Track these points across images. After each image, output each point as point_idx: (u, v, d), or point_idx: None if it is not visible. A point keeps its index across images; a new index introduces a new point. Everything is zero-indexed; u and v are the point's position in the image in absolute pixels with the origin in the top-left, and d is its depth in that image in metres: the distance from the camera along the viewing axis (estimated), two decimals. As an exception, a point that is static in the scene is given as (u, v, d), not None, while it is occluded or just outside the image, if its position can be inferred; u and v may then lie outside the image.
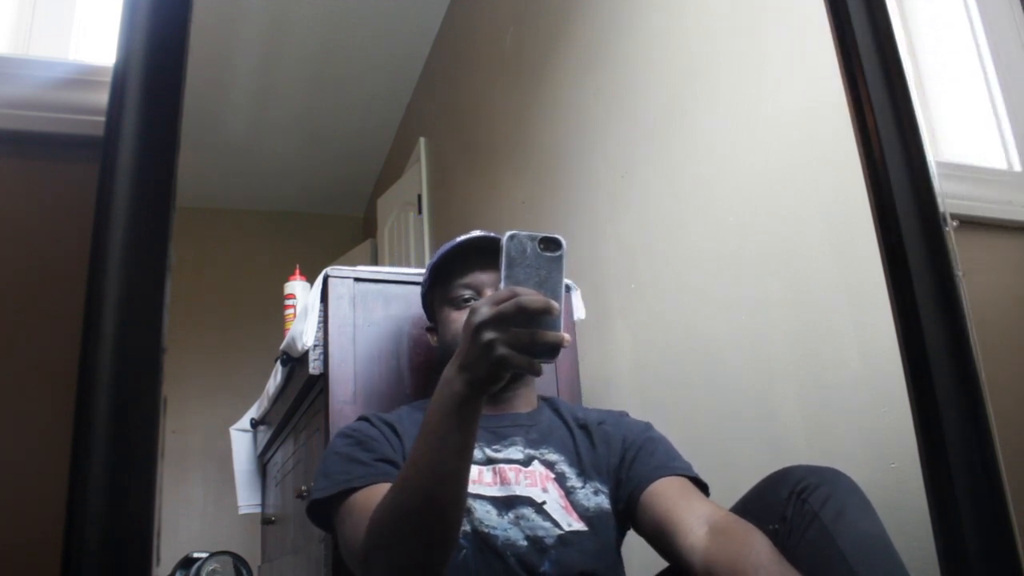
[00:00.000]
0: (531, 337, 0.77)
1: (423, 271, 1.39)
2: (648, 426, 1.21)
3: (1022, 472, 0.78)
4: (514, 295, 0.77)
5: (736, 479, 1.08)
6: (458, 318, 1.19)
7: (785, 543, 0.91)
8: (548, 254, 0.80)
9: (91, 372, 0.51)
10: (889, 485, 1.11)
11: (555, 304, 0.77)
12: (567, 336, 0.79)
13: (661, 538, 1.02)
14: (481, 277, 1.20)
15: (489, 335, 0.77)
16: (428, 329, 1.33)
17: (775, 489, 0.96)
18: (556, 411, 1.23)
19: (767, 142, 1.43)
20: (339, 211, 5.18)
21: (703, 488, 1.11)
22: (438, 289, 1.26)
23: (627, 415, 1.24)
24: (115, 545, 0.48)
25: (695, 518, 0.98)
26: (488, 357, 0.78)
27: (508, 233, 0.80)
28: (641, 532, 1.09)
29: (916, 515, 1.02)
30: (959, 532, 0.73)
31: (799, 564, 0.88)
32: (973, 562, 0.72)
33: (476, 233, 1.24)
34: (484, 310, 0.79)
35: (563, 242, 0.80)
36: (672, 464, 1.11)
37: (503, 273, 0.80)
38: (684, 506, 1.01)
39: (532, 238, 0.80)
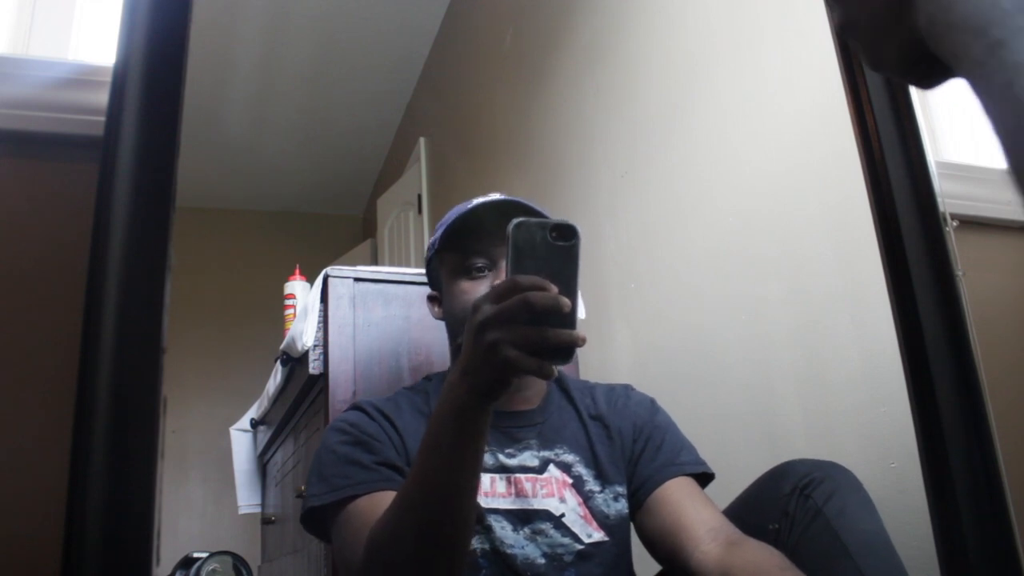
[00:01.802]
0: (541, 336, 0.68)
1: (423, 271, 1.37)
2: (652, 405, 1.16)
3: (1022, 472, 0.78)
4: (517, 288, 0.69)
5: (736, 478, 1.08)
6: (470, 289, 1.06)
7: (788, 538, 0.91)
8: (561, 243, 0.70)
9: (91, 372, 0.51)
10: (889, 485, 1.11)
11: (565, 299, 0.69)
12: (582, 335, 0.71)
13: (665, 545, 0.99)
14: (501, 248, 1.05)
15: (493, 335, 0.69)
16: (430, 298, 1.19)
17: (777, 484, 0.96)
18: (566, 393, 1.16)
19: (767, 142, 1.43)
20: (339, 211, 5.18)
21: (707, 477, 1.10)
22: (448, 255, 1.11)
23: (632, 389, 1.19)
24: (115, 545, 0.48)
25: (705, 530, 0.95)
26: (493, 361, 0.69)
27: (514, 221, 0.71)
28: (642, 534, 1.07)
29: (916, 515, 1.02)
30: (959, 532, 0.73)
31: (802, 559, 0.88)
32: (973, 562, 0.72)
33: (496, 196, 1.10)
34: (486, 308, 0.70)
35: (577, 229, 0.71)
36: (678, 461, 1.07)
37: (509, 266, 0.71)
38: (692, 515, 0.98)
39: (542, 226, 0.70)
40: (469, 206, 1.09)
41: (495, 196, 1.11)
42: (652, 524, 1.03)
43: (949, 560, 0.74)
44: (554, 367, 0.71)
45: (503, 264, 1.03)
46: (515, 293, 0.69)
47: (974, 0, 0.33)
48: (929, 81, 0.42)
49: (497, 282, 1.00)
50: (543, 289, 0.69)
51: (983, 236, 1.00)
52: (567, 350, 0.70)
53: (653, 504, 1.04)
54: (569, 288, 0.70)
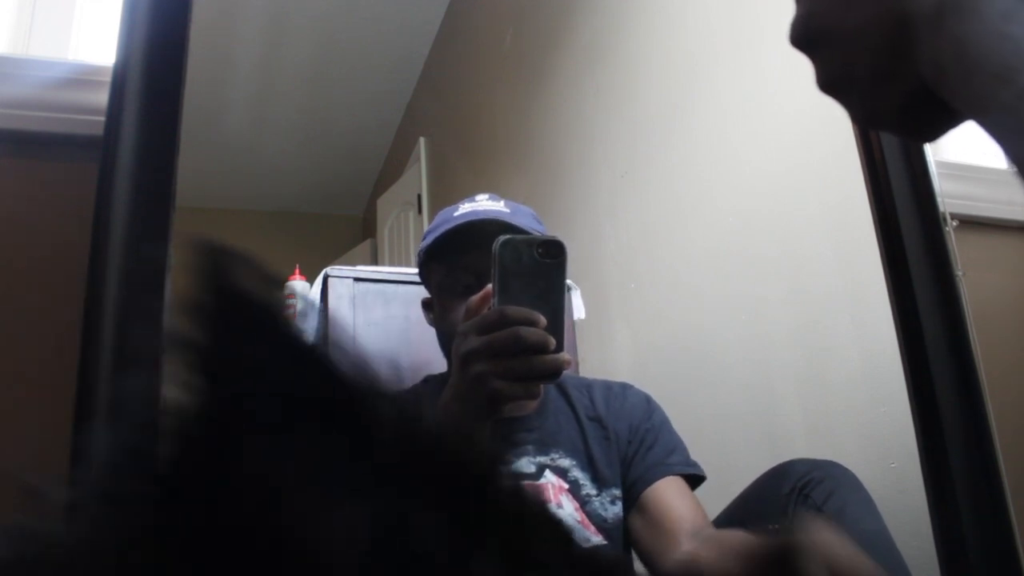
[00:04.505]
0: (527, 366, 0.68)
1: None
2: (647, 404, 1.15)
3: (1022, 472, 0.78)
4: (506, 321, 0.68)
5: (736, 478, 1.08)
6: (455, 307, 1.05)
7: None
8: (548, 261, 0.70)
9: (91, 372, 0.51)
10: (889, 485, 1.11)
11: (551, 339, 0.68)
12: (568, 357, 0.71)
13: (648, 545, 1.00)
14: (487, 262, 1.07)
15: (478, 368, 0.69)
16: (424, 303, 1.17)
17: (777, 484, 0.96)
18: (563, 393, 1.14)
19: (767, 142, 1.43)
20: (339, 211, 5.17)
21: (698, 478, 1.09)
22: (435, 266, 1.09)
23: (629, 388, 1.17)
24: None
25: (687, 531, 0.95)
26: (479, 392, 0.70)
27: (501, 238, 0.70)
28: (629, 534, 1.06)
29: (916, 515, 1.02)
30: (959, 532, 0.73)
31: None
32: (973, 562, 0.72)
33: (483, 206, 1.07)
34: (471, 339, 0.70)
35: (564, 246, 0.70)
36: (668, 461, 1.07)
37: (496, 286, 0.69)
38: (676, 516, 0.99)
39: (529, 243, 0.70)
40: (455, 214, 1.07)
41: (483, 202, 1.08)
42: (638, 524, 1.03)
43: (949, 560, 0.74)
44: (541, 386, 0.70)
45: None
46: (503, 326, 0.69)
47: (989, 43, 0.31)
48: (931, 131, 0.39)
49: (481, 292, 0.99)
50: (532, 321, 0.68)
51: (983, 236, 1.00)
52: (553, 374, 0.70)
53: (641, 504, 1.04)
54: (557, 306, 0.70)
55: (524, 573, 0.21)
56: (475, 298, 0.77)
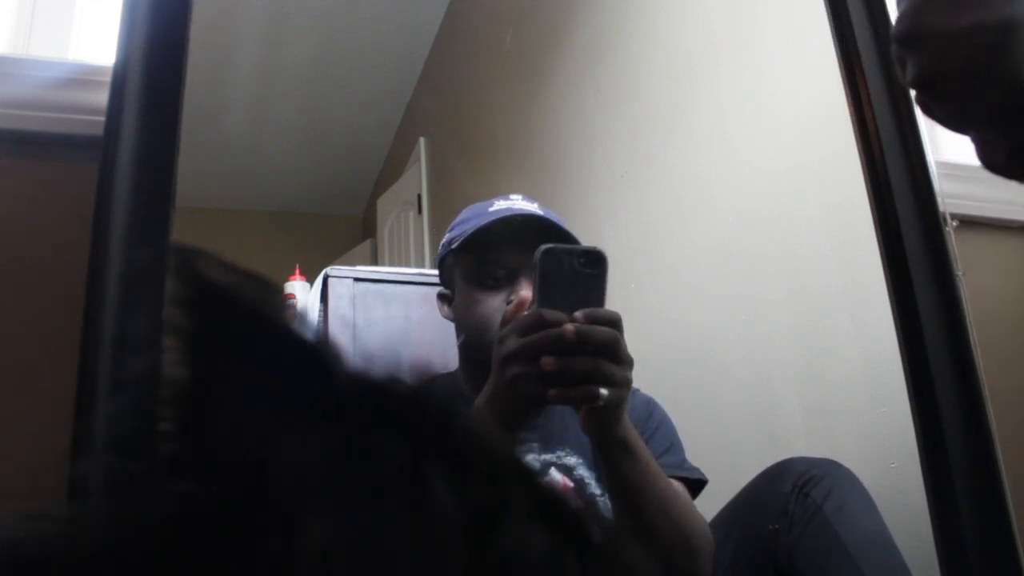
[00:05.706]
0: (563, 367, 0.69)
1: (423, 271, 1.36)
2: (647, 406, 1.14)
3: (1022, 472, 0.78)
4: (542, 323, 0.69)
5: (736, 478, 1.08)
6: (483, 299, 1.04)
7: (787, 537, 0.91)
8: (589, 271, 0.71)
9: (91, 373, 0.51)
10: (889, 485, 1.11)
11: (593, 331, 0.69)
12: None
13: None
14: (520, 258, 1.03)
15: (515, 370, 0.70)
16: (441, 296, 1.16)
17: (776, 483, 0.96)
18: None
19: (767, 142, 1.43)
20: (339, 211, 5.17)
21: (697, 483, 1.08)
22: (464, 257, 1.08)
23: (637, 392, 1.16)
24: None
25: None
26: (515, 395, 0.71)
27: (543, 247, 0.71)
28: None
29: (916, 515, 1.02)
30: (959, 532, 0.73)
31: (802, 558, 0.88)
32: (973, 562, 0.72)
33: (518, 205, 1.07)
34: (510, 341, 0.71)
35: (606, 257, 0.72)
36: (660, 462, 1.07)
37: (537, 294, 0.71)
38: None
39: (570, 253, 0.72)
40: (490, 209, 1.07)
41: (518, 201, 1.09)
42: None
43: (949, 560, 0.74)
44: (601, 392, 0.70)
45: (520, 277, 1.04)
46: (540, 328, 0.70)
47: None
48: (1019, 134, 0.39)
49: (516, 297, 0.99)
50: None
51: (983, 236, 1.00)
52: (591, 379, 0.70)
53: None
54: None
55: (471, 484, 0.23)
56: (511, 307, 0.78)
